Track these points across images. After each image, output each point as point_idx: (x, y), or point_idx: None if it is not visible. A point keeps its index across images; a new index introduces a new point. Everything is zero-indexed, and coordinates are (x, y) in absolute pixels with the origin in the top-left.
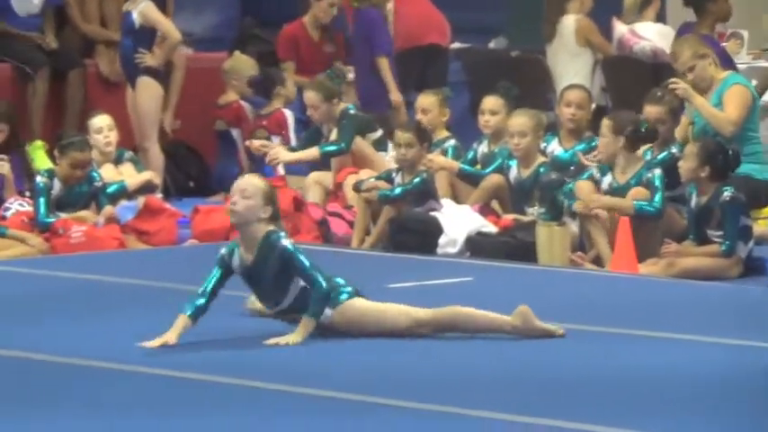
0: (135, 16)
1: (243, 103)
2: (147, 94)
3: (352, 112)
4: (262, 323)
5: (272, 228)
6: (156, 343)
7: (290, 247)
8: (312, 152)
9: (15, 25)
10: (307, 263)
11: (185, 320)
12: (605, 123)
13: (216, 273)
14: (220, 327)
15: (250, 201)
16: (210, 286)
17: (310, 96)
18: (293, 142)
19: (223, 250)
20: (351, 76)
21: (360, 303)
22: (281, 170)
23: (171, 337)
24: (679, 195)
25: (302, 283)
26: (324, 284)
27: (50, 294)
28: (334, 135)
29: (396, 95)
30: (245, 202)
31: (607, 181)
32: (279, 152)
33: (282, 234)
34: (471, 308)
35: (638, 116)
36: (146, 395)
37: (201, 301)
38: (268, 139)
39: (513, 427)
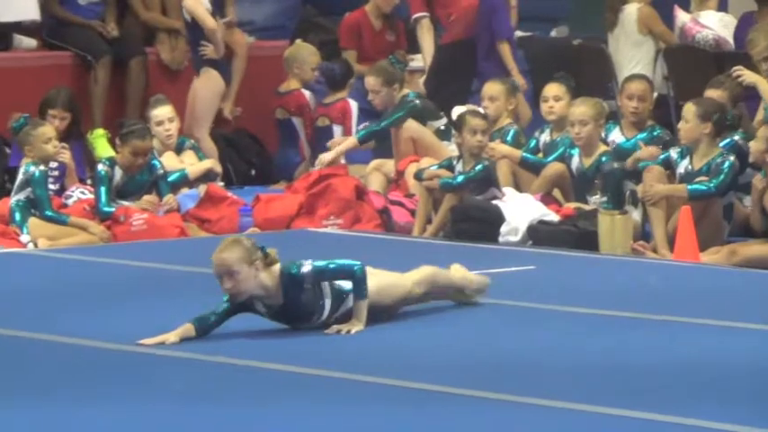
0: (185, 10)
1: (304, 91)
2: (208, 84)
3: (411, 98)
4: None
5: (276, 267)
6: (154, 341)
7: (313, 267)
8: (350, 141)
9: (77, 13)
10: (331, 264)
11: (190, 329)
12: (690, 109)
13: (229, 308)
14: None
15: (239, 275)
16: (221, 314)
17: (371, 81)
18: (353, 133)
19: (240, 299)
20: (413, 63)
21: (372, 283)
22: (341, 159)
23: (171, 337)
24: (743, 185)
25: (329, 284)
26: (355, 266)
27: (111, 282)
28: None
29: (520, 79)
30: (236, 280)
31: (684, 165)
32: (320, 158)
33: (295, 264)
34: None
35: (723, 103)
36: (205, 383)
37: (212, 319)
38: (330, 128)
39: (577, 415)
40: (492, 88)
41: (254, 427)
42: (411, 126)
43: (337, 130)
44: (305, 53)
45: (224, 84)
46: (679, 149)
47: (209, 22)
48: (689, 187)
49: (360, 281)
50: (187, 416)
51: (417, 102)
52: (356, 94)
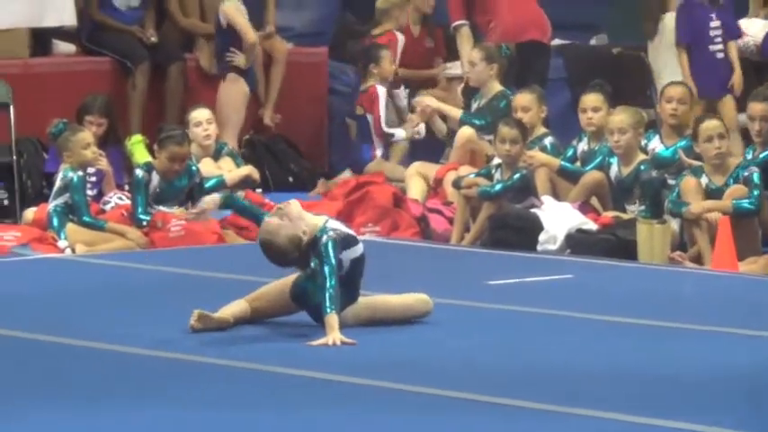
0: (221, 16)
1: (378, 87)
2: (234, 90)
3: (509, 94)
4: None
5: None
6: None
7: (324, 244)
8: (455, 112)
9: (116, 19)
10: (326, 263)
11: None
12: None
13: None
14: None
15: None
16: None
17: (472, 54)
18: (383, 118)
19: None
20: (451, 71)
21: (367, 301)
22: (378, 152)
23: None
24: None
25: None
26: (330, 281)
27: (149, 288)
28: None
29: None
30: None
31: (704, 182)
32: (425, 98)
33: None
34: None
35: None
36: (241, 389)
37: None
38: (363, 115)
39: (612, 425)
40: (523, 99)
41: None
42: (473, 137)
43: (369, 117)
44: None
45: (248, 90)
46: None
47: (250, 35)
48: (734, 203)
49: (328, 297)
50: (223, 423)
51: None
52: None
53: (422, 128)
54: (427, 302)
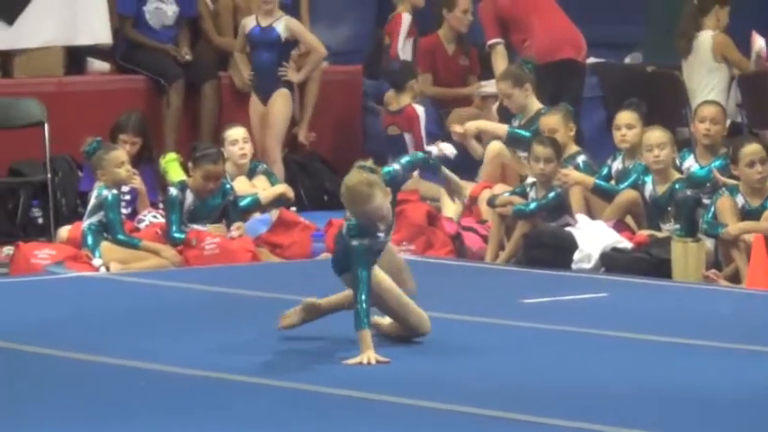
0: (280, 30)
1: (416, 106)
2: (284, 106)
3: (545, 113)
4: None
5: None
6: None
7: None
8: (501, 128)
9: (151, 37)
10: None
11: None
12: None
13: None
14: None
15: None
16: None
17: (501, 86)
18: (424, 139)
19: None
20: (486, 89)
21: (382, 276)
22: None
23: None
24: None
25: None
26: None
27: (183, 306)
28: None
29: None
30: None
31: (740, 203)
32: (469, 124)
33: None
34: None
35: None
36: (273, 408)
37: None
38: (400, 135)
39: None
40: (549, 120)
41: None
42: (505, 152)
43: (407, 137)
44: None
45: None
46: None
47: (321, 48)
48: None
49: (360, 311)
50: None
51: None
52: (428, 120)
53: (451, 149)
54: (426, 321)
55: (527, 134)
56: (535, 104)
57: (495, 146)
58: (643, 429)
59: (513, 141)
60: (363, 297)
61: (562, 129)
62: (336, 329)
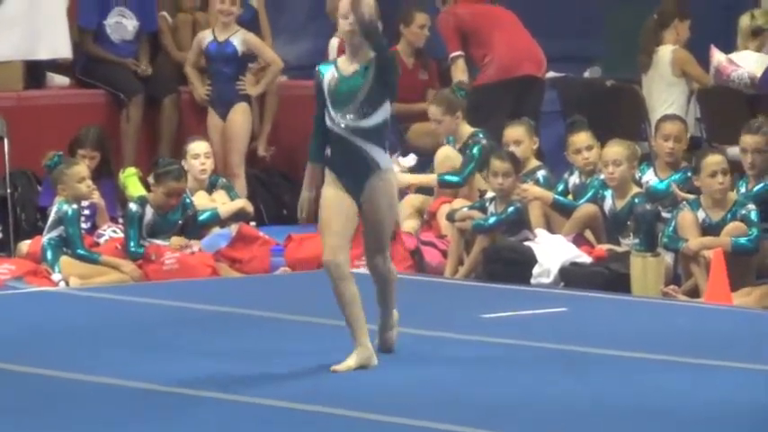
0: (236, 44)
1: None
2: (244, 120)
3: (480, 137)
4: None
5: None
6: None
7: None
8: (429, 178)
9: (110, 51)
10: None
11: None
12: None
13: None
14: (311, 353)
15: None
16: None
17: (432, 110)
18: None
19: None
20: None
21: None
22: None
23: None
24: None
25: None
26: None
27: (143, 321)
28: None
29: None
30: None
31: (701, 217)
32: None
33: None
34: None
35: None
36: (239, 424)
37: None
38: None
39: None
40: (514, 132)
41: None
42: (451, 153)
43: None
44: None
45: (252, 118)
46: (690, 202)
47: (278, 61)
48: (733, 241)
49: None
50: None
51: (485, 142)
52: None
53: (410, 161)
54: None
55: (456, 179)
56: (466, 129)
57: (442, 151)
58: None
59: (444, 185)
60: None
61: (527, 141)
62: (299, 345)
